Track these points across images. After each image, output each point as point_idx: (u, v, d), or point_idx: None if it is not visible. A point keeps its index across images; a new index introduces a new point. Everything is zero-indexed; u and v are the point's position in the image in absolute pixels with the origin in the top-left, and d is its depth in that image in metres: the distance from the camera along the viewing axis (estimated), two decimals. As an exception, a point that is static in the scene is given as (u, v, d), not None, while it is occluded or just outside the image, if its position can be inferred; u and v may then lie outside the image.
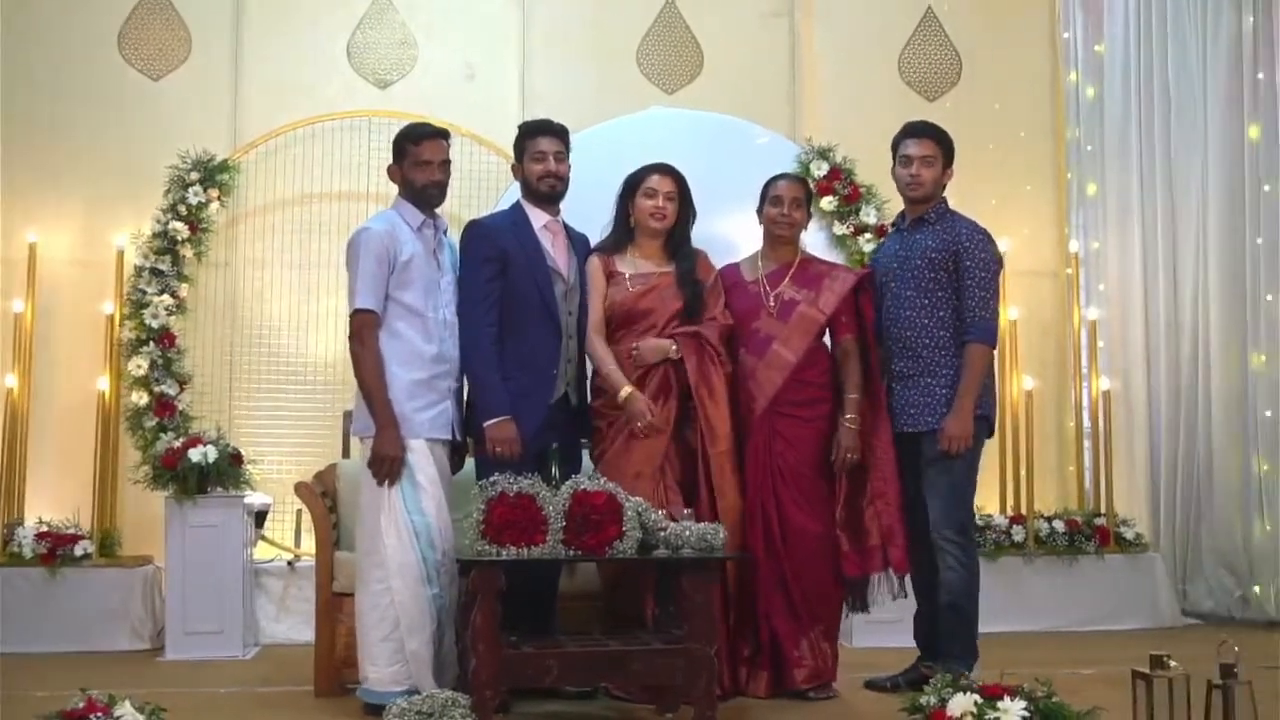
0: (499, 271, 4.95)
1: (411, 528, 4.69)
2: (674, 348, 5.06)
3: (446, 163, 4.98)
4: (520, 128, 5.25)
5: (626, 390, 5.00)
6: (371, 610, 4.70)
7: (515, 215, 5.13)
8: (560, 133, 5.15)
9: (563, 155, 5.11)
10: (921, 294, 5.19)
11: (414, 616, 4.66)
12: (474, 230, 5.08)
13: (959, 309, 5.15)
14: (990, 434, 5.31)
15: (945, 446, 5.04)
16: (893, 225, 5.57)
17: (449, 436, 4.89)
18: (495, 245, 4.99)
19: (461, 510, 4.62)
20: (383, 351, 4.76)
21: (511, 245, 5.00)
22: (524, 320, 4.96)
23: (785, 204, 5.27)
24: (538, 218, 5.10)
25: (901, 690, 5.15)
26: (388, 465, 4.68)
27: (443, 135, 5.03)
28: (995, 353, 6.25)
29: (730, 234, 5.81)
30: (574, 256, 5.15)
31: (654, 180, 5.18)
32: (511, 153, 5.33)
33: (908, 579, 5.16)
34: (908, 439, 5.17)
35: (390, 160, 5.03)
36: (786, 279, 5.26)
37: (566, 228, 5.19)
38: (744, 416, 5.13)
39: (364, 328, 4.77)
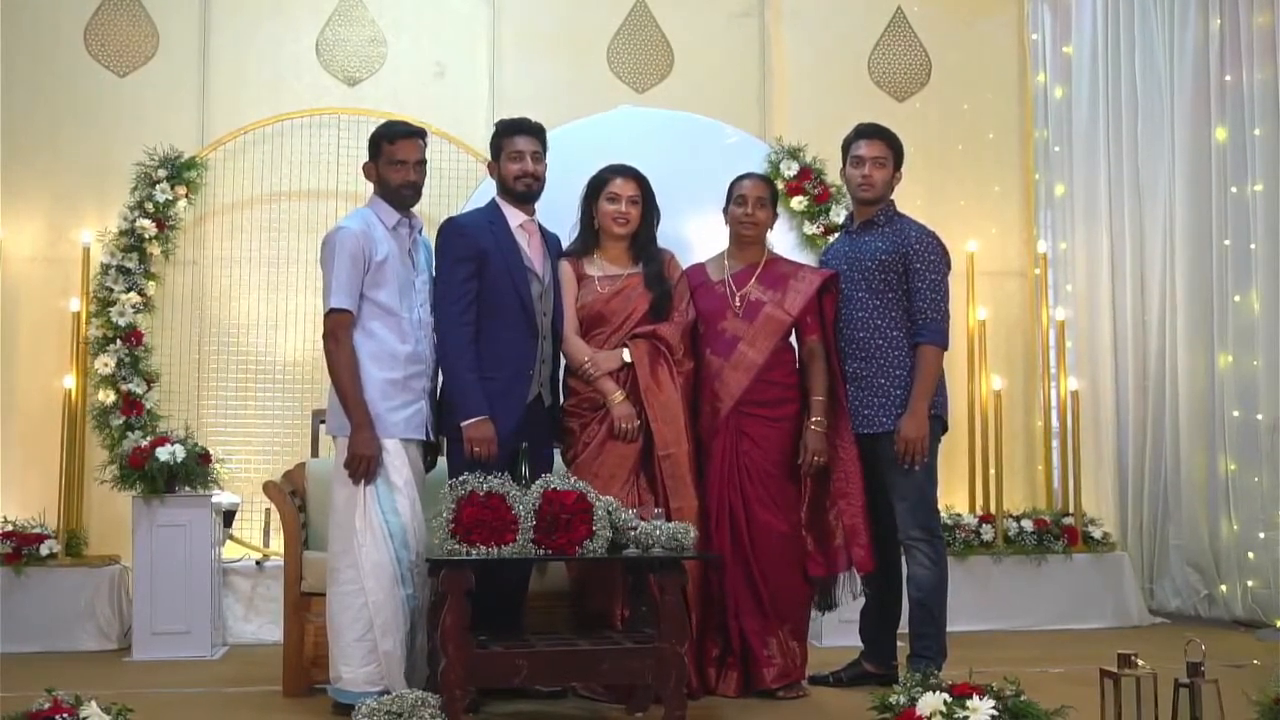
0: (475, 270, 4.92)
1: (386, 528, 4.67)
2: (626, 355, 5.07)
3: (422, 163, 4.95)
4: (497, 126, 5.21)
5: (619, 395, 5.00)
6: (344, 611, 4.68)
7: (491, 214, 5.10)
8: (538, 132, 5.12)
9: (540, 155, 5.08)
10: (873, 295, 5.20)
11: (388, 617, 4.64)
12: (450, 228, 5.05)
13: (910, 310, 5.17)
14: (945, 430, 5.32)
15: (902, 449, 5.05)
16: (841, 227, 5.57)
17: (423, 436, 4.87)
18: (472, 244, 4.96)
19: (432, 510, 4.61)
20: (358, 351, 4.74)
21: (489, 244, 4.97)
22: (500, 320, 4.93)
23: (749, 203, 5.27)
24: (514, 217, 5.08)
25: (844, 685, 5.22)
26: (363, 465, 4.66)
27: (419, 135, 4.99)
28: (964, 353, 6.22)
29: (701, 234, 5.82)
30: (548, 257, 5.13)
31: (616, 184, 5.16)
32: (481, 151, 5.31)
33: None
34: (864, 440, 5.19)
35: (361, 158, 5.01)
36: (753, 279, 5.27)
37: (540, 228, 5.17)
38: (710, 416, 5.13)
39: (339, 327, 4.74)
